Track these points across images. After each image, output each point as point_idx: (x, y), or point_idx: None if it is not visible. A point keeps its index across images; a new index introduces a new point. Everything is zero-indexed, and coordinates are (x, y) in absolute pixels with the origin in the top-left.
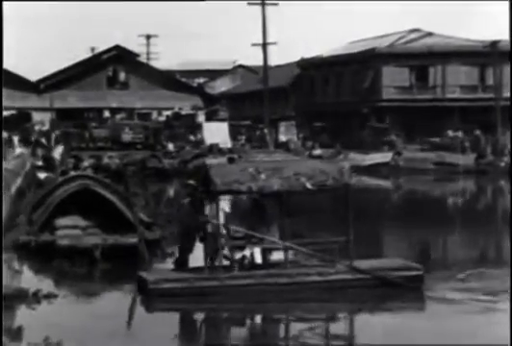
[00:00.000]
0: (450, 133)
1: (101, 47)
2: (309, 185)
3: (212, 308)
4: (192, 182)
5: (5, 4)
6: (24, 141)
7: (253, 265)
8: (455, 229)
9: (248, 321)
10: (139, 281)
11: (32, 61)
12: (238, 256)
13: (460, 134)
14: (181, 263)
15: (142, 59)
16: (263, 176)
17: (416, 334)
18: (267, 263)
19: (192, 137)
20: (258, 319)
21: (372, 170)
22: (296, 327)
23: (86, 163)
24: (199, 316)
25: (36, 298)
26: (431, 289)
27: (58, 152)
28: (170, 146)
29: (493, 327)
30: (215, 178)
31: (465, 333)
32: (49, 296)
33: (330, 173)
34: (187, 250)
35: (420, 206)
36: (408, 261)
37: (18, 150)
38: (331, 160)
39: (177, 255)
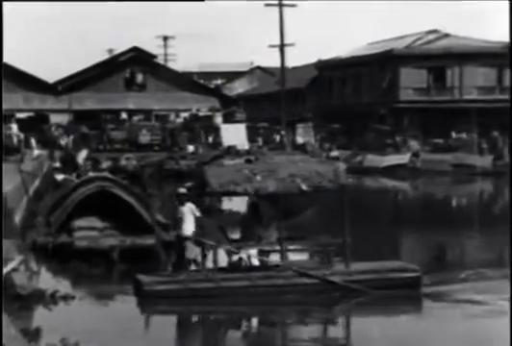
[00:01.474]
0: (454, 134)
1: (119, 49)
2: (304, 187)
3: (207, 309)
4: (188, 184)
5: (26, 4)
6: (42, 143)
7: (250, 267)
8: (470, 231)
9: (244, 323)
10: (135, 283)
11: (50, 62)
12: (235, 258)
13: (464, 135)
14: (179, 266)
15: (160, 60)
16: (258, 177)
17: (413, 336)
18: (263, 265)
19: (210, 139)
20: (254, 321)
21: (390, 172)
22: (293, 329)
23: (104, 165)
24: (194, 318)
25: (53, 299)
26: (432, 291)
27: (82, 157)
28: (190, 148)
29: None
30: (210, 179)
31: (463, 336)
32: (66, 297)
33: (326, 174)
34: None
35: (435, 207)
36: (406, 263)
37: (36, 152)
38: (349, 162)
39: (175, 258)
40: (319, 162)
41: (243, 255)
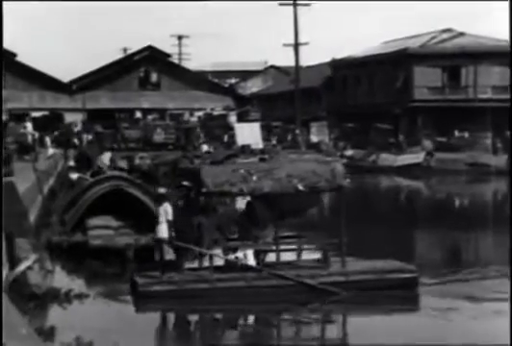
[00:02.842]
0: (457, 133)
1: (133, 48)
2: (301, 187)
3: (202, 309)
4: (186, 183)
5: (39, 4)
6: (56, 142)
7: (246, 267)
8: (484, 229)
9: (239, 323)
10: (132, 283)
11: (64, 61)
12: (231, 257)
13: (466, 134)
14: (178, 266)
15: (174, 59)
16: (254, 177)
17: (409, 336)
18: (260, 265)
19: (225, 138)
20: (249, 321)
21: (405, 171)
22: (288, 328)
23: (123, 164)
24: (190, 318)
25: (67, 298)
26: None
27: (107, 159)
28: (204, 147)
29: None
30: (206, 179)
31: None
32: (80, 296)
33: (323, 174)
34: (182, 252)
35: (448, 207)
36: (404, 263)
37: (51, 151)
38: (363, 161)
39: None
40: (316, 162)
41: (240, 254)
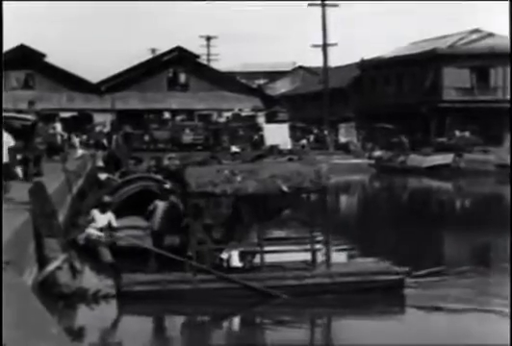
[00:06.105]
0: (458, 133)
1: (162, 48)
2: (285, 188)
3: (185, 310)
4: (169, 186)
5: (67, 3)
6: (85, 142)
7: (231, 268)
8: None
9: (222, 325)
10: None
11: (93, 62)
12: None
13: (467, 134)
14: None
15: (203, 60)
16: (238, 178)
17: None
18: (245, 267)
19: (254, 139)
20: (231, 323)
21: (434, 172)
22: (272, 331)
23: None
24: (173, 319)
25: (95, 298)
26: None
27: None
28: (234, 148)
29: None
30: (189, 179)
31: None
32: (107, 296)
33: (307, 175)
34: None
35: (477, 209)
36: (392, 265)
37: (80, 151)
38: (392, 162)
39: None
40: (300, 163)
41: (224, 255)
